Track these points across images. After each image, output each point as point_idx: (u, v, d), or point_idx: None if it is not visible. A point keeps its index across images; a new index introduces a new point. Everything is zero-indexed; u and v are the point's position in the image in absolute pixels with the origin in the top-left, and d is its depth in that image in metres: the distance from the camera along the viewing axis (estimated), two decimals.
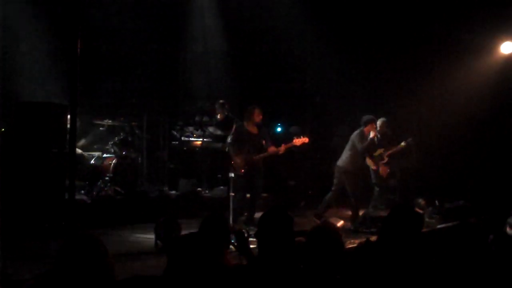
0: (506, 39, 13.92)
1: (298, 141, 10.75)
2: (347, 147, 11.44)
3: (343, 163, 11.38)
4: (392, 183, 12.82)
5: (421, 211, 11.57)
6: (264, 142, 10.76)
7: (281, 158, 14.03)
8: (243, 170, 10.43)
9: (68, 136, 9.72)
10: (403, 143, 12.33)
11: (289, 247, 3.95)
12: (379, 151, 12.08)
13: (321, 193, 14.01)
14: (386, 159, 12.09)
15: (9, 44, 12.05)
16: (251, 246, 5.01)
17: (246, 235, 5.10)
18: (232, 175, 9.94)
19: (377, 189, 12.15)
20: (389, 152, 12.14)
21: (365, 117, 11.44)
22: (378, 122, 12.04)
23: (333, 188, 11.49)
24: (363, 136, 11.36)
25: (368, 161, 11.90)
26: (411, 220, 4.16)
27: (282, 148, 10.74)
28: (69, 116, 9.76)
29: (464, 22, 13.57)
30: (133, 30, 13.74)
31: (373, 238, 4.69)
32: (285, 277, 3.77)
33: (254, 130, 10.63)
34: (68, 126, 9.75)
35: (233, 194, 9.84)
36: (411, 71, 14.75)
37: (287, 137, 15.12)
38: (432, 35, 14.20)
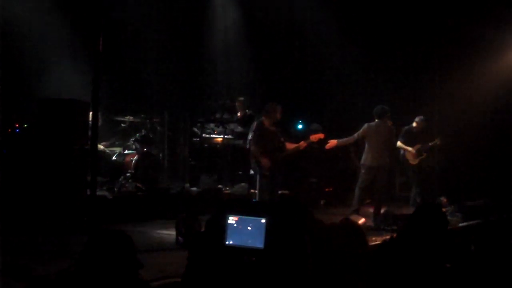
0: None
1: (314, 137, 10.69)
2: (377, 143, 11.22)
3: (375, 159, 11.26)
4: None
5: (443, 210, 11.49)
6: (282, 139, 10.70)
7: (303, 155, 14.07)
8: (268, 171, 10.37)
9: (90, 132, 9.79)
10: (437, 141, 12.41)
11: (298, 241, 3.91)
12: (417, 146, 12.23)
13: (341, 191, 14.02)
14: (424, 155, 12.22)
15: (32, 42, 12.17)
16: None
17: None
18: (252, 172, 9.92)
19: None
20: (427, 147, 12.28)
21: (384, 108, 11.31)
22: (416, 119, 12.37)
23: (361, 186, 11.33)
24: (392, 129, 11.33)
25: (409, 156, 12.00)
26: (437, 219, 4.13)
27: (302, 144, 10.67)
28: (91, 113, 9.82)
29: (488, 19, 13.46)
30: (155, 27, 13.80)
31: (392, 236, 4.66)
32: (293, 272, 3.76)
33: (273, 127, 10.55)
34: (90, 122, 9.81)
35: (256, 192, 9.82)
36: (434, 69, 14.68)
37: (308, 134, 15.13)
38: (456, 33, 14.09)
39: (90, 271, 3.21)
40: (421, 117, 12.63)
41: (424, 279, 3.90)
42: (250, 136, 10.66)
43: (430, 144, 12.55)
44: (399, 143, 12.54)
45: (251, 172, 10.13)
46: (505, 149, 14.07)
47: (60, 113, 9.95)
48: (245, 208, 3.41)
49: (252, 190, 11.20)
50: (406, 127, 12.65)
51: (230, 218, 3.19)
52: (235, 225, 3.20)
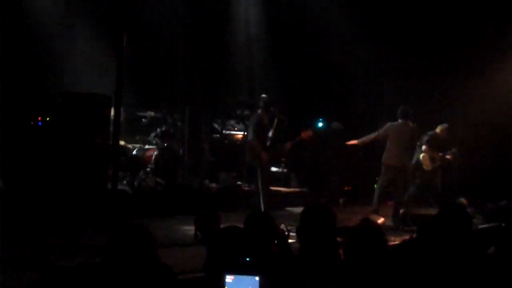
0: None
1: (305, 134, 10.73)
2: (399, 143, 11.17)
3: (395, 159, 11.20)
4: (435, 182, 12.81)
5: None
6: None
7: (323, 154, 14.08)
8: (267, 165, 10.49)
9: (111, 127, 9.84)
10: (449, 155, 12.36)
11: (332, 243, 3.94)
12: (439, 154, 12.21)
13: (360, 190, 13.99)
14: (439, 163, 12.16)
15: (57, 36, 12.26)
16: (290, 241, 5.04)
17: (286, 233, 5.10)
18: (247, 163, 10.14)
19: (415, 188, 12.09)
20: (446, 158, 12.24)
21: (409, 109, 11.26)
22: (441, 127, 12.22)
23: (381, 185, 11.31)
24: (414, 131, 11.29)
25: (425, 160, 11.94)
26: (461, 220, 4.10)
27: (289, 144, 10.78)
28: (113, 108, 9.88)
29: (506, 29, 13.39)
30: (177, 23, 13.85)
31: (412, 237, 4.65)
32: (328, 274, 3.77)
33: (267, 121, 10.64)
34: (112, 117, 9.87)
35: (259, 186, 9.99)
36: (458, 71, 14.57)
37: (328, 132, 15.13)
38: (481, 35, 13.99)
39: (113, 262, 3.24)
40: (445, 125, 12.39)
41: (447, 279, 3.88)
42: (251, 130, 10.61)
43: (447, 157, 12.43)
44: (425, 147, 12.46)
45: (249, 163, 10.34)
46: None
47: (83, 107, 10.03)
48: (240, 265, 3.47)
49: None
50: (431, 133, 12.53)
51: (227, 277, 3.32)
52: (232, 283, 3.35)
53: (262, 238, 4.38)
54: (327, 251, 3.90)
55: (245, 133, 12.96)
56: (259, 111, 10.69)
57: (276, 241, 4.84)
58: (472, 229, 4.25)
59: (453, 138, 13.02)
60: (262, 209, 9.67)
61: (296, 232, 4.12)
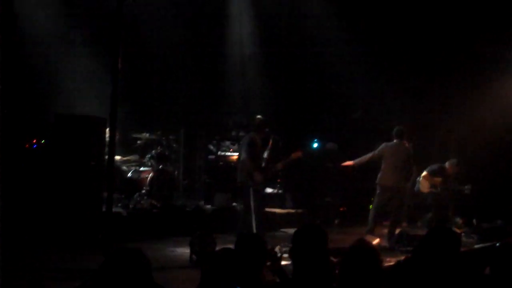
0: None
1: (295, 155, 10.78)
2: (394, 163, 11.16)
3: (391, 179, 11.19)
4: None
5: (458, 231, 11.46)
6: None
7: (319, 174, 14.06)
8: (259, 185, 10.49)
9: (106, 149, 9.83)
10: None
11: (324, 264, 3.93)
12: (438, 179, 12.38)
13: (356, 211, 13.98)
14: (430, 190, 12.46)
15: (51, 58, 12.29)
16: (283, 263, 5.02)
17: (279, 254, 5.09)
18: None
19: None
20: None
21: (403, 129, 11.32)
22: (449, 163, 12.89)
23: (377, 206, 11.31)
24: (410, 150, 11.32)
25: (424, 183, 12.16)
26: (449, 241, 4.12)
27: (280, 165, 10.81)
28: (107, 129, 9.87)
29: (506, 40, 13.43)
30: (171, 45, 13.88)
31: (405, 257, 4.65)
32: None
33: (260, 142, 10.67)
34: (107, 139, 9.86)
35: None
36: (452, 89, 14.63)
37: (323, 153, 15.15)
38: (473, 53, 14.06)
39: (107, 287, 3.22)
40: (455, 160, 12.97)
41: None
42: (245, 150, 10.61)
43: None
44: (425, 173, 12.69)
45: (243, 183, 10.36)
46: None
47: (77, 129, 10.03)
48: None
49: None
50: (441, 165, 12.83)
51: None
52: None
53: (253, 260, 4.36)
54: (320, 272, 3.89)
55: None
56: (252, 131, 10.72)
57: (268, 263, 4.83)
58: (460, 250, 4.24)
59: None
60: (254, 230, 9.63)
61: (289, 254, 4.12)
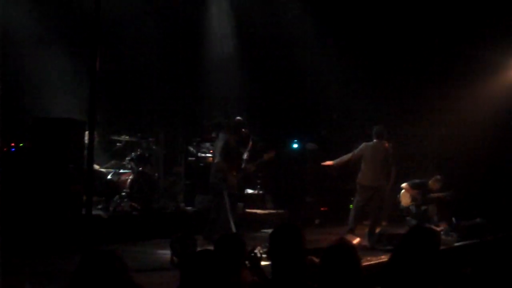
0: None
1: (267, 156, 10.82)
2: (374, 163, 11.21)
3: (371, 179, 11.23)
4: None
5: (438, 229, 11.55)
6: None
7: (299, 174, 14.09)
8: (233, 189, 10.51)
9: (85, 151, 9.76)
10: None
11: (301, 263, 3.93)
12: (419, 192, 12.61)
13: (337, 211, 14.04)
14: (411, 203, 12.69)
15: (28, 60, 12.19)
16: (263, 263, 5.03)
17: (258, 254, 5.10)
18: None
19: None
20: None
21: (383, 129, 11.37)
22: (433, 179, 13.02)
23: (357, 205, 11.34)
24: (389, 150, 11.36)
25: (404, 196, 12.37)
26: (428, 240, 4.13)
27: (253, 166, 10.90)
28: (87, 132, 9.81)
29: (480, 39, 13.56)
30: (150, 46, 13.83)
31: (385, 257, 4.67)
32: None
33: (234, 144, 10.70)
34: (86, 141, 9.80)
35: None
36: (430, 89, 14.74)
37: (303, 153, 15.20)
38: (451, 54, 14.18)
39: None
40: (438, 177, 13.05)
41: None
42: (219, 153, 10.62)
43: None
44: (405, 184, 12.85)
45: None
46: (500, 168, 14.12)
47: (56, 132, 9.96)
48: None
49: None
50: (424, 181, 12.98)
51: None
52: None
53: (233, 261, 4.36)
54: (298, 271, 3.89)
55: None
56: (226, 133, 10.73)
57: (248, 264, 4.84)
58: (438, 250, 4.27)
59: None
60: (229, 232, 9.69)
61: (267, 254, 4.12)
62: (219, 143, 10.72)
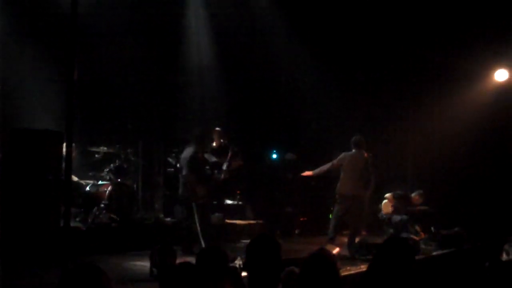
0: (500, 67, 14.06)
1: (235, 164, 10.89)
2: (353, 172, 11.24)
3: (350, 188, 11.25)
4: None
5: (417, 238, 11.61)
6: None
7: (279, 185, 14.10)
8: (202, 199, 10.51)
9: (63, 163, 9.69)
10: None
11: (278, 274, 3.93)
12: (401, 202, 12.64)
13: (316, 220, 14.06)
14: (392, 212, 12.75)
15: (5, 71, 12.08)
16: (243, 274, 5.02)
17: (237, 265, 5.09)
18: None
19: None
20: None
21: (362, 138, 11.40)
22: (416, 193, 13.15)
23: (337, 215, 11.34)
24: (368, 159, 11.38)
25: (385, 206, 12.44)
26: (403, 251, 4.14)
27: (222, 176, 10.97)
28: (64, 144, 9.74)
29: (458, 49, 13.68)
30: (127, 57, 13.77)
31: (365, 267, 4.68)
32: None
33: (202, 156, 10.74)
34: (64, 153, 9.73)
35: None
36: (407, 99, 14.86)
37: (282, 163, 15.22)
38: (427, 63, 14.30)
39: None
40: (421, 191, 13.17)
41: None
42: (186, 165, 10.65)
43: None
44: (389, 195, 12.92)
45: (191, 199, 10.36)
46: (478, 178, 14.22)
47: (34, 144, 9.87)
48: None
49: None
50: (406, 193, 13.10)
51: None
52: None
53: (214, 273, 4.33)
54: (275, 282, 3.88)
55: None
56: (192, 144, 10.76)
57: (229, 277, 4.81)
58: (414, 261, 4.27)
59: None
60: (202, 244, 9.70)
61: (244, 268, 4.11)
62: (186, 156, 10.75)
